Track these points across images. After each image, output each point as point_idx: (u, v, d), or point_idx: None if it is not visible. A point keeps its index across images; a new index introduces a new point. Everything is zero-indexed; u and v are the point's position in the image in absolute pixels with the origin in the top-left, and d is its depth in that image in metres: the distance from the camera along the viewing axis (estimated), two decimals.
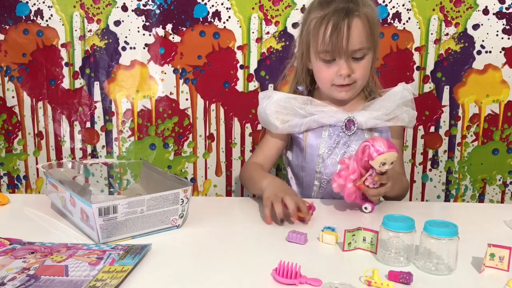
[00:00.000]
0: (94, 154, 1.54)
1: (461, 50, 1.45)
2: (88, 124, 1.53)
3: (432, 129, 1.51)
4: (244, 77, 1.48)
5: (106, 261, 0.73)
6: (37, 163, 1.56)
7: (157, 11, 1.45)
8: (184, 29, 1.46)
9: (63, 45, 1.48)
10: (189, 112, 1.51)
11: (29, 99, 1.52)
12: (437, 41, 1.45)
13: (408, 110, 1.15)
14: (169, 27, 1.46)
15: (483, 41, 1.44)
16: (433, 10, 1.43)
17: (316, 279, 0.68)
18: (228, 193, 1.58)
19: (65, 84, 1.50)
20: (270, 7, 1.44)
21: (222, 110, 1.51)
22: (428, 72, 1.47)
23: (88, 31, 1.47)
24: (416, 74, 1.48)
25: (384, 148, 0.94)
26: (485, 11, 1.42)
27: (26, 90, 1.51)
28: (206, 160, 1.55)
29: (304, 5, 1.43)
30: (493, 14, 1.42)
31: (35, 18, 1.46)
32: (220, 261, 0.76)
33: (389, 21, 1.43)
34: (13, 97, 1.52)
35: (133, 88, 1.50)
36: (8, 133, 1.55)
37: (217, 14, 1.44)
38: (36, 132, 1.54)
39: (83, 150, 1.54)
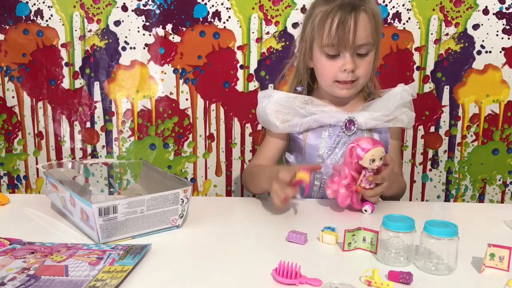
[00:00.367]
0: (94, 154, 1.54)
1: (461, 50, 1.45)
2: (88, 124, 1.53)
3: (432, 129, 1.51)
4: (244, 77, 1.48)
5: (106, 261, 0.73)
6: (37, 163, 1.56)
7: (157, 11, 1.45)
8: (184, 29, 1.46)
9: (63, 45, 1.48)
10: (189, 112, 1.51)
11: (29, 99, 1.52)
12: (437, 41, 1.45)
13: (407, 112, 1.15)
14: (169, 27, 1.46)
15: (483, 41, 1.44)
16: (433, 10, 1.43)
17: (316, 279, 0.68)
18: (228, 193, 1.58)
19: (65, 84, 1.50)
20: (270, 7, 1.44)
21: (222, 110, 1.51)
22: (428, 72, 1.47)
23: (88, 31, 1.47)
24: (416, 74, 1.48)
25: (370, 145, 0.95)
26: (485, 11, 1.42)
27: (26, 90, 1.51)
28: (206, 160, 1.55)
29: (304, 5, 1.43)
30: (493, 14, 1.42)
31: (35, 18, 1.46)
32: (220, 261, 0.76)
33: (389, 21, 1.43)
34: (13, 97, 1.52)
35: (133, 88, 1.50)
36: (8, 133, 1.55)
37: (217, 14, 1.44)
38: (36, 132, 1.54)
39: (83, 150, 1.54)
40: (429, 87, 1.48)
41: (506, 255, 0.73)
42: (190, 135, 1.53)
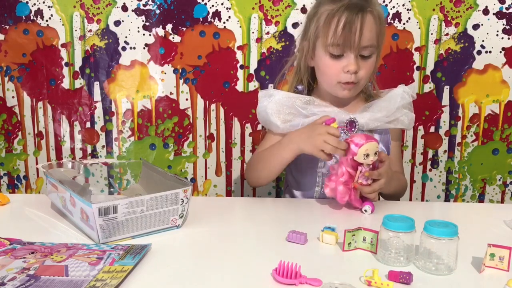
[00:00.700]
0: (94, 154, 1.54)
1: (461, 50, 1.45)
2: (88, 124, 1.53)
3: (432, 129, 1.51)
4: (244, 77, 1.48)
5: (106, 261, 0.73)
6: (37, 163, 1.56)
7: (157, 11, 1.45)
8: (184, 29, 1.46)
9: (63, 45, 1.48)
10: (189, 112, 1.51)
11: (29, 99, 1.52)
12: (437, 41, 1.45)
13: (407, 113, 1.15)
14: (169, 27, 1.46)
15: (483, 41, 1.44)
16: (433, 10, 1.43)
17: (316, 279, 0.68)
18: (228, 193, 1.58)
19: (65, 84, 1.50)
20: (270, 7, 1.44)
21: (222, 110, 1.51)
22: (428, 72, 1.47)
23: (88, 31, 1.47)
24: (416, 74, 1.48)
25: (363, 140, 0.96)
26: (485, 11, 1.42)
27: (26, 90, 1.51)
28: (206, 160, 1.55)
29: (304, 5, 1.43)
30: (493, 14, 1.42)
31: (35, 18, 1.46)
32: (220, 261, 0.76)
33: (389, 21, 1.43)
34: (13, 97, 1.52)
35: (133, 88, 1.50)
36: (8, 133, 1.55)
37: (217, 14, 1.44)
38: (36, 132, 1.54)
39: (83, 150, 1.54)
40: (429, 87, 1.48)
41: (506, 255, 0.73)
42: (190, 135, 1.53)
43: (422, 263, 0.74)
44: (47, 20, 1.46)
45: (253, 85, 1.49)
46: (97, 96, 1.51)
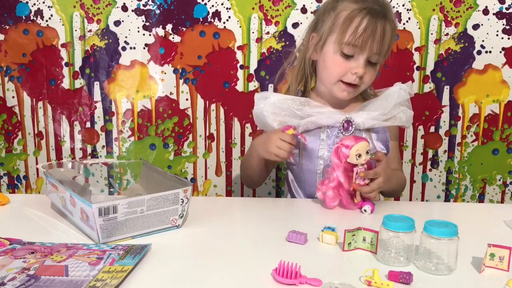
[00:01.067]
0: (94, 154, 1.54)
1: (461, 50, 1.45)
2: (88, 124, 1.53)
3: (432, 129, 1.51)
4: (244, 77, 1.48)
5: (106, 261, 0.73)
6: (37, 163, 1.56)
7: (157, 11, 1.45)
8: (184, 29, 1.46)
9: (63, 45, 1.48)
10: (189, 112, 1.51)
11: (29, 99, 1.52)
12: (437, 41, 1.45)
13: (405, 110, 1.15)
14: (169, 27, 1.46)
15: (483, 41, 1.44)
16: (433, 10, 1.43)
17: (316, 279, 0.68)
18: (228, 193, 1.58)
19: (65, 84, 1.50)
20: (270, 7, 1.44)
21: (222, 110, 1.51)
22: (428, 72, 1.47)
23: (88, 31, 1.47)
24: (416, 74, 1.48)
25: (352, 141, 0.98)
26: (485, 11, 1.42)
27: (26, 90, 1.52)
28: (206, 160, 1.55)
29: (304, 5, 1.43)
30: (493, 14, 1.42)
31: (35, 18, 1.46)
32: (220, 261, 0.76)
33: None
34: (13, 97, 1.52)
35: (133, 88, 1.50)
36: (8, 133, 1.55)
37: (217, 14, 1.44)
38: (36, 132, 1.54)
39: (83, 150, 1.54)
40: (429, 87, 1.48)
41: (506, 255, 0.73)
42: (190, 135, 1.53)
43: (422, 263, 0.74)
44: (47, 20, 1.46)
45: (253, 85, 1.49)
46: (97, 96, 1.51)
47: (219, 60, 1.47)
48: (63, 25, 1.47)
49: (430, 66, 1.47)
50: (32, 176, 1.58)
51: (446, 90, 1.48)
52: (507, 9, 1.42)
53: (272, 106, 1.13)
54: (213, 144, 1.53)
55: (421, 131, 1.52)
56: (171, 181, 0.95)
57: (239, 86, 1.49)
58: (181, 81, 1.49)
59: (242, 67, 1.48)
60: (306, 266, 0.70)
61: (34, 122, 1.53)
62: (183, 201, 0.88)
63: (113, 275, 0.68)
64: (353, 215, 1.00)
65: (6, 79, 1.51)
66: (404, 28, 1.44)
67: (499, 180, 1.54)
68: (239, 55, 1.47)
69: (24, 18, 1.46)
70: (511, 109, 1.49)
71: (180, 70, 1.48)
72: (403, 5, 1.43)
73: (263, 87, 1.48)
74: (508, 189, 1.55)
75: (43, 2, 1.45)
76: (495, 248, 0.74)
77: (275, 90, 1.45)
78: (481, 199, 1.55)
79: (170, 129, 1.52)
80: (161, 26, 1.46)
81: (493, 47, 1.44)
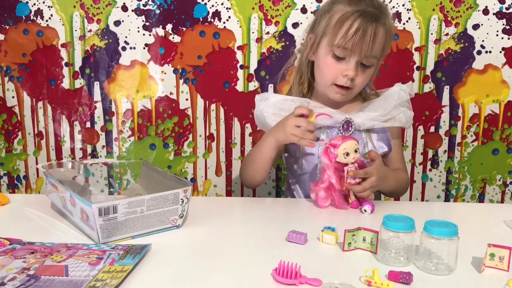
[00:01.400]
0: (94, 154, 1.54)
1: (461, 50, 1.45)
2: (88, 124, 1.53)
3: (432, 129, 1.51)
4: (244, 77, 1.48)
5: (106, 261, 0.73)
6: (37, 163, 1.56)
7: (157, 11, 1.45)
8: (184, 29, 1.46)
9: (63, 45, 1.48)
10: (189, 112, 1.51)
11: (29, 99, 1.52)
12: (437, 41, 1.45)
13: (404, 111, 1.15)
14: (169, 27, 1.46)
15: (483, 41, 1.44)
16: (433, 10, 1.43)
17: (316, 279, 0.68)
18: (228, 193, 1.58)
19: (65, 84, 1.50)
20: (270, 7, 1.44)
21: (222, 110, 1.51)
22: (428, 72, 1.47)
23: (88, 31, 1.47)
24: (416, 74, 1.48)
25: (339, 141, 0.99)
26: (485, 11, 1.42)
27: (26, 90, 1.52)
28: (206, 160, 1.55)
29: (304, 5, 1.43)
30: (493, 14, 1.42)
31: (35, 18, 1.46)
32: (220, 261, 0.76)
33: None
34: (13, 97, 1.52)
35: (133, 88, 1.50)
36: (8, 133, 1.55)
37: (217, 14, 1.44)
38: (36, 132, 1.54)
39: (83, 150, 1.54)
40: (429, 87, 1.48)
41: (506, 255, 0.73)
42: (190, 135, 1.53)
43: (422, 263, 0.74)
44: (47, 20, 1.46)
45: (253, 85, 1.49)
46: (97, 96, 1.51)
47: (219, 60, 1.47)
48: (63, 25, 1.47)
49: (430, 66, 1.47)
50: (32, 176, 1.58)
51: (446, 90, 1.48)
52: (507, 9, 1.42)
53: (272, 107, 1.14)
54: (213, 144, 1.53)
55: (421, 131, 1.52)
56: (171, 181, 0.95)
57: (239, 86, 1.49)
58: (181, 81, 1.49)
59: (242, 67, 1.48)
60: (306, 266, 0.70)
61: (34, 122, 1.53)
62: (183, 201, 0.88)
63: (113, 275, 0.68)
64: (353, 215, 1.00)
65: (6, 79, 1.51)
66: (404, 28, 1.44)
67: (499, 180, 1.54)
68: (239, 55, 1.47)
69: (24, 18, 1.46)
70: (511, 109, 1.49)
71: (180, 70, 1.48)
72: (403, 5, 1.43)
73: (263, 87, 1.48)
74: (508, 189, 1.55)
75: (43, 2, 1.45)
76: (495, 248, 0.74)
77: (276, 91, 1.45)
78: (481, 199, 1.55)
79: (170, 129, 1.52)
80: (161, 26, 1.46)
81: (493, 47, 1.44)
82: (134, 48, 1.47)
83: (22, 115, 1.53)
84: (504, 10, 1.42)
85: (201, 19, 1.45)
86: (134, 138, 1.53)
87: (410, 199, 1.55)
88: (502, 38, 1.44)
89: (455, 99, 1.49)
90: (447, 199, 1.56)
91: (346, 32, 1.05)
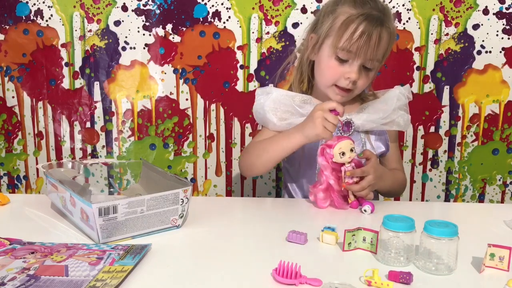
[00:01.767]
0: (94, 154, 1.54)
1: (461, 50, 1.45)
2: (88, 124, 1.53)
3: (432, 129, 1.51)
4: (244, 77, 1.48)
5: (106, 261, 0.73)
6: (37, 163, 1.56)
7: (157, 11, 1.45)
8: (184, 29, 1.46)
9: (63, 45, 1.48)
10: (189, 112, 1.51)
11: (29, 99, 1.52)
12: (437, 41, 1.45)
13: (403, 114, 1.15)
14: (169, 27, 1.46)
15: (483, 41, 1.44)
16: (433, 10, 1.43)
17: (316, 279, 0.68)
18: (228, 193, 1.58)
19: (65, 84, 1.50)
20: (270, 7, 1.44)
21: (222, 110, 1.51)
22: (428, 72, 1.47)
23: (88, 31, 1.47)
24: (416, 74, 1.48)
25: (335, 141, 1.00)
26: (485, 11, 1.42)
27: (26, 90, 1.52)
28: (206, 160, 1.55)
29: (304, 5, 1.43)
30: (493, 14, 1.42)
31: (35, 18, 1.46)
32: (220, 261, 0.76)
33: None
34: (13, 97, 1.52)
35: (133, 88, 1.50)
36: (8, 133, 1.55)
37: (217, 14, 1.44)
38: (36, 132, 1.54)
39: (83, 150, 1.54)
40: (429, 87, 1.48)
41: (506, 255, 0.73)
42: (190, 135, 1.53)
43: (422, 263, 0.74)
44: (47, 20, 1.46)
45: (253, 85, 1.49)
46: (97, 96, 1.51)
47: (219, 60, 1.47)
48: (63, 25, 1.47)
49: (430, 66, 1.47)
50: (32, 176, 1.58)
51: (446, 90, 1.48)
52: (507, 9, 1.42)
53: (274, 102, 1.13)
54: (213, 144, 1.53)
55: (421, 131, 1.52)
56: (171, 181, 0.95)
57: (239, 86, 1.49)
58: (181, 81, 1.49)
59: (242, 67, 1.48)
60: (306, 266, 0.70)
61: (34, 122, 1.53)
62: (183, 201, 0.88)
63: (113, 275, 0.68)
64: (353, 215, 1.00)
65: (6, 79, 1.51)
66: (404, 28, 1.44)
67: (499, 180, 1.54)
68: (239, 55, 1.47)
69: (24, 18, 1.46)
70: (511, 109, 1.49)
71: (180, 70, 1.48)
72: (403, 5, 1.43)
73: None
74: (508, 189, 1.55)
75: (43, 2, 1.45)
76: (495, 248, 0.74)
77: None
78: (481, 199, 1.55)
79: (170, 129, 1.52)
80: (161, 26, 1.46)
81: (493, 47, 1.44)
82: (134, 48, 1.47)
83: (22, 115, 1.53)
84: (504, 10, 1.42)
85: (201, 19, 1.45)
86: (134, 138, 1.53)
87: (410, 199, 1.55)
88: (502, 38, 1.44)
89: (455, 99, 1.49)
90: (447, 199, 1.56)
91: (351, 35, 1.04)
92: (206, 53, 1.47)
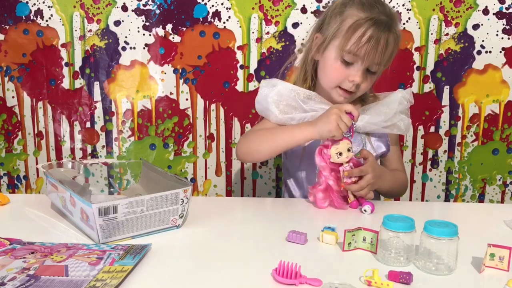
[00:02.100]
0: (94, 154, 1.54)
1: (461, 50, 1.45)
2: (88, 124, 1.53)
3: (432, 129, 1.51)
4: (244, 77, 1.48)
5: (106, 261, 0.73)
6: (37, 163, 1.56)
7: (157, 11, 1.45)
8: (184, 29, 1.46)
9: (63, 45, 1.48)
10: (189, 112, 1.51)
11: (29, 99, 1.52)
12: (437, 41, 1.45)
13: (404, 118, 1.15)
14: (169, 27, 1.46)
15: (483, 41, 1.44)
16: (433, 10, 1.43)
17: (316, 279, 0.68)
18: (228, 193, 1.58)
19: (65, 84, 1.50)
20: (270, 7, 1.44)
21: (222, 110, 1.51)
22: (428, 72, 1.47)
23: (88, 31, 1.47)
24: (416, 74, 1.48)
25: (332, 141, 1.00)
26: (485, 11, 1.42)
27: (26, 90, 1.52)
28: (206, 160, 1.55)
29: (304, 5, 1.43)
30: (493, 14, 1.42)
31: (35, 18, 1.46)
32: (220, 261, 0.76)
33: None
34: (13, 97, 1.52)
35: (133, 88, 1.50)
36: (8, 133, 1.55)
37: (217, 14, 1.44)
38: (36, 132, 1.54)
39: (83, 150, 1.54)
40: (429, 87, 1.48)
41: (506, 255, 0.73)
42: (190, 135, 1.53)
43: (422, 263, 0.74)
44: (47, 20, 1.46)
45: (253, 85, 1.49)
46: (97, 96, 1.51)
47: (219, 60, 1.47)
48: (63, 25, 1.47)
49: (430, 66, 1.47)
50: (32, 176, 1.58)
51: (446, 90, 1.48)
52: (507, 9, 1.42)
53: (278, 94, 1.12)
54: (213, 144, 1.53)
55: (421, 131, 1.52)
56: (171, 181, 0.95)
57: (239, 86, 1.49)
58: (181, 81, 1.49)
59: (242, 67, 1.48)
60: (306, 266, 0.70)
61: (34, 122, 1.53)
62: (183, 201, 0.88)
63: (113, 275, 0.68)
64: (353, 215, 1.00)
65: (6, 79, 1.51)
66: (404, 28, 1.44)
67: (499, 180, 1.54)
68: (239, 55, 1.47)
69: (24, 18, 1.46)
70: (511, 109, 1.49)
71: (180, 70, 1.48)
72: (403, 5, 1.43)
73: None
74: (508, 189, 1.55)
75: (43, 2, 1.45)
76: (495, 248, 0.74)
77: None
78: (481, 199, 1.55)
79: (170, 129, 1.52)
80: (161, 26, 1.46)
81: (493, 47, 1.44)
82: (134, 48, 1.47)
83: (22, 115, 1.53)
84: (504, 10, 1.42)
85: (201, 19, 1.45)
86: (134, 138, 1.53)
87: (410, 199, 1.55)
88: (502, 38, 1.44)
89: (455, 99, 1.49)
90: (447, 199, 1.56)
91: (359, 39, 1.04)
92: (206, 53, 1.47)
